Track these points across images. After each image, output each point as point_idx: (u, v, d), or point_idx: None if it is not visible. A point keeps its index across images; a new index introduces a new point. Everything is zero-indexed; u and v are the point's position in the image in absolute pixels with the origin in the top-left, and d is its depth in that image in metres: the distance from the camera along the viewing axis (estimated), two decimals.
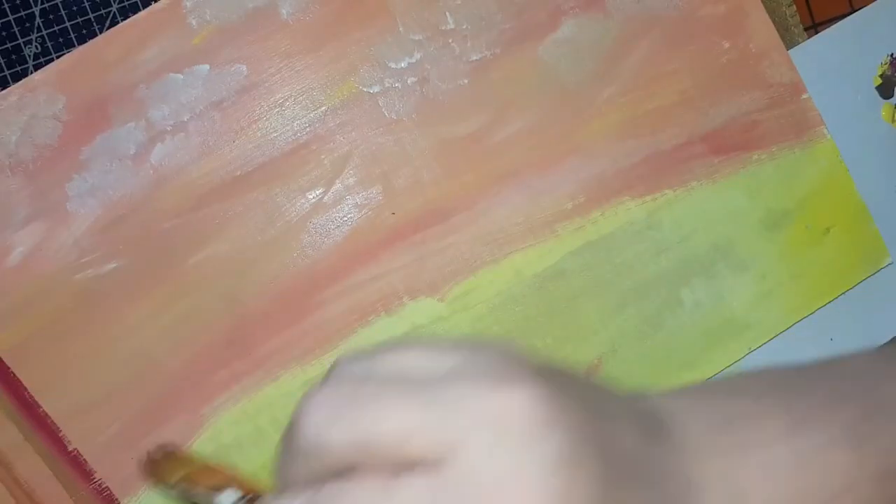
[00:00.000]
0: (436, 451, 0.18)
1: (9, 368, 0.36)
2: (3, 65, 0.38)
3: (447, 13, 0.37)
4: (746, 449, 0.22)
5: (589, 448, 0.19)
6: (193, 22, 0.36)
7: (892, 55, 0.40)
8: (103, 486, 0.36)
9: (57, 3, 0.38)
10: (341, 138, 0.37)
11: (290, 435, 0.21)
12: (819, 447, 0.24)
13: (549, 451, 0.18)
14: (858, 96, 0.40)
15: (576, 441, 0.19)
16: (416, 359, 0.20)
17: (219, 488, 0.24)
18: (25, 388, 0.36)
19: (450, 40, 0.37)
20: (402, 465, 0.18)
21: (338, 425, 0.19)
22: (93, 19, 0.39)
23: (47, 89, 0.36)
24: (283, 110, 0.37)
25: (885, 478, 0.24)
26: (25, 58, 0.39)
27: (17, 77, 0.38)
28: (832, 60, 0.40)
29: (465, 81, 0.37)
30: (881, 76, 0.40)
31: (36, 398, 0.36)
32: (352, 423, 0.19)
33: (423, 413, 0.18)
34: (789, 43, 0.39)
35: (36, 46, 0.39)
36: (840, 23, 0.40)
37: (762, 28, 0.38)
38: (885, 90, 0.40)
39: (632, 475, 0.19)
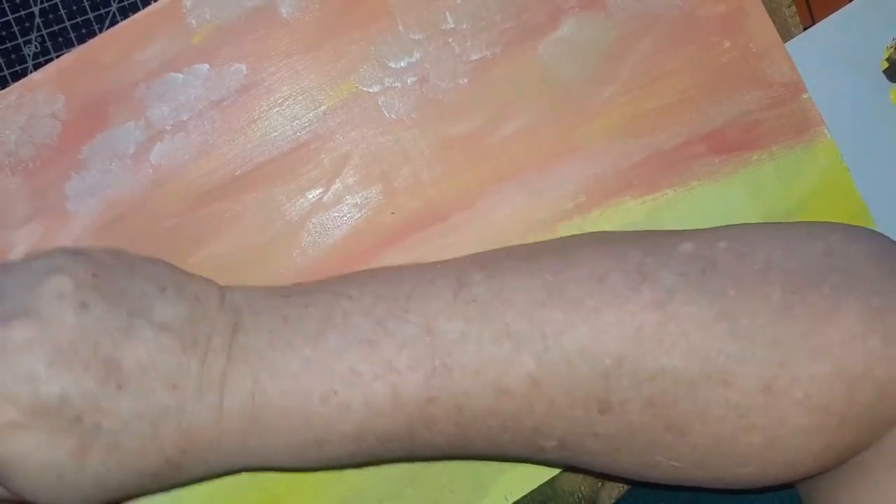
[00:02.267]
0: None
1: None
2: (3, 64, 0.38)
3: (447, 13, 0.37)
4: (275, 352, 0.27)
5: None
6: (193, 21, 0.36)
7: None
8: None
9: (56, 3, 0.38)
10: (341, 138, 0.37)
11: None
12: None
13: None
14: (864, 82, 0.40)
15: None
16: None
17: None
18: None
19: (450, 40, 0.37)
20: None
21: None
22: (92, 19, 0.39)
23: (47, 89, 0.36)
24: (283, 110, 0.37)
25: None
26: (25, 57, 0.39)
27: (17, 77, 0.38)
28: (835, 48, 0.39)
29: (465, 81, 0.37)
30: (888, 60, 0.40)
31: None
32: None
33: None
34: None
35: (35, 46, 0.39)
36: (842, 10, 0.39)
37: (762, 28, 0.38)
38: (892, 73, 0.40)
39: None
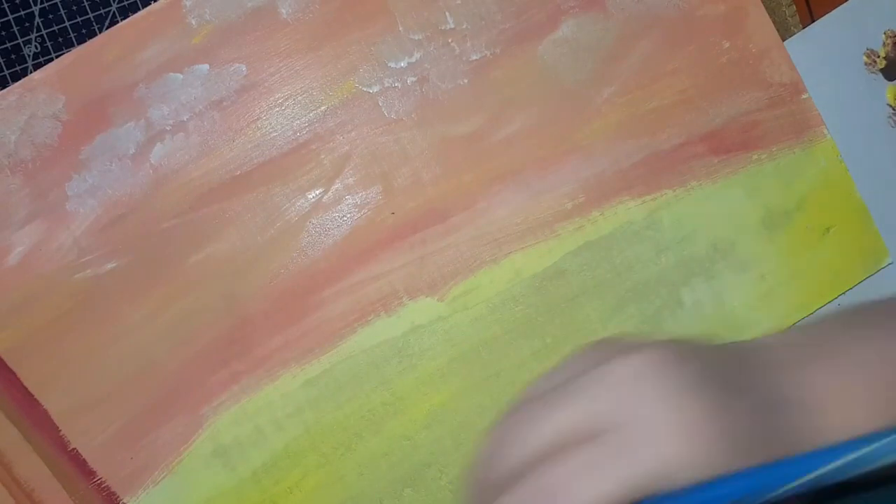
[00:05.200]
0: (594, 425, 0.22)
1: (9, 367, 0.36)
2: (3, 64, 0.38)
3: (447, 13, 0.37)
4: (817, 359, 0.25)
5: (707, 374, 0.23)
6: (193, 21, 0.36)
7: (890, 31, 0.40)
8: (103, 485, 0.36)
9: (56, 3, 0.38)
10: (341, 138, 0.37)
11: (474, 473, 0.24)
12: (881, 351, 0.26)
13: (681, 379, 0.22)
14: (862, 80, 0.40)
15: (696, 372, 0.23)
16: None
17: None
18: (25, 388, 0.36)
19: (449, 40, 0.37)
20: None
21: (510, 447, 0.23)
22: (92, 19, 0.39)
23: (47, 89, 0.36)
24: (283, 110, 0.37)
25: None
26: (25, 57, 0.39)
27: (17, 77, 0.38)
28: (834, 46, 0.39)
29: (465, 81, 0.37)
30: (885, 58, 0.40)
31: (36, 397, 0.36)
32: (522, 441, 0.23)
33: (576, 405, 0.23)
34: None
35: (35, 46, 0.39)
36: (840, 8, 0.39)
37: (762, 28, 0.38)
38: (889, 72, 0.40)
39: (736, 389, 0.23)
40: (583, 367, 0.24)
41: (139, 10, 0.37)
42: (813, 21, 0.40)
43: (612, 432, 0.22)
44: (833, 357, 0.26)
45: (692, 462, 0.22)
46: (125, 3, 0.39)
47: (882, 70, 0.40)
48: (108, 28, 0.38)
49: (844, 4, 0.40)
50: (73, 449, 0.36)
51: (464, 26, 0.37)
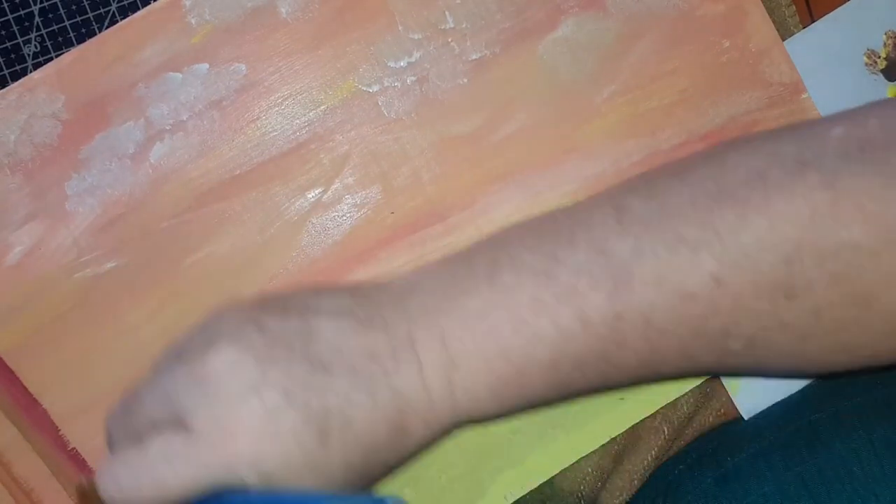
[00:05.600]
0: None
1: (8, 367, 0.36)
2: (3, 64, 0.38)
3: (447, 12, 0.37)
4: (453, 303, 0.27)
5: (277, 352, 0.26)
6: (193, 21, 0.36)
7: (891, 31, 0.40)
8: None
9: (56, 3, 0.38)
10: (340, 137, 0.37)
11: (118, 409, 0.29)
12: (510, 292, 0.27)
13: (261, 372, 0.25)
14: (862, 81, 0.40)
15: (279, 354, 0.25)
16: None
17: None
18: (24, 387, 0.36)
19: (449, 39, 0.37)
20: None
21: (135, 404, 0.28)
22: (92, 18, 0.39)
23: (46, 88, 0.36)
24: (283, 109, 0.37)
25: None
26: (25, 57, 0.39)
27: (17, 76, 0.38)
28: (834, 46, 0.39)
29: (465, 81, 0.37)
30: (885, 58, 0.40)
31: (35, 397, 0.36)
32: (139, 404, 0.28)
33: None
34: None
35: (35, 45, 0.39)
36: (840, 8, 0.39)
37: (762, 27, 0.38)
38: (889, 72, 0.40)
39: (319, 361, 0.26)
40: (195, 344, 0.27)
41: (139, 9, 0.37)
42: (813, 21, 0.40)
43: (196, 425, 0.25)
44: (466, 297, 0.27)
45: (283, 454, 0.24)
46: (125, 2, 0.39)
47: (882, 71, 0.40)
48: (107, 28, 0.38)
49: (845, 4, 0.40)
50: (73, 449, 0.36)
51: (464, 26, 0.37)
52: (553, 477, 0.37)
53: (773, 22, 0.38)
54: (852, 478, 0.30)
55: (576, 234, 0.27)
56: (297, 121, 0.37)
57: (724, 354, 0.27)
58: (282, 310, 0.27)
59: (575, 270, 0.26)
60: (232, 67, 0.37)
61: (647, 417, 0.37)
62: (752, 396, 0.37)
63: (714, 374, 0.35)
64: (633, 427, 0.37)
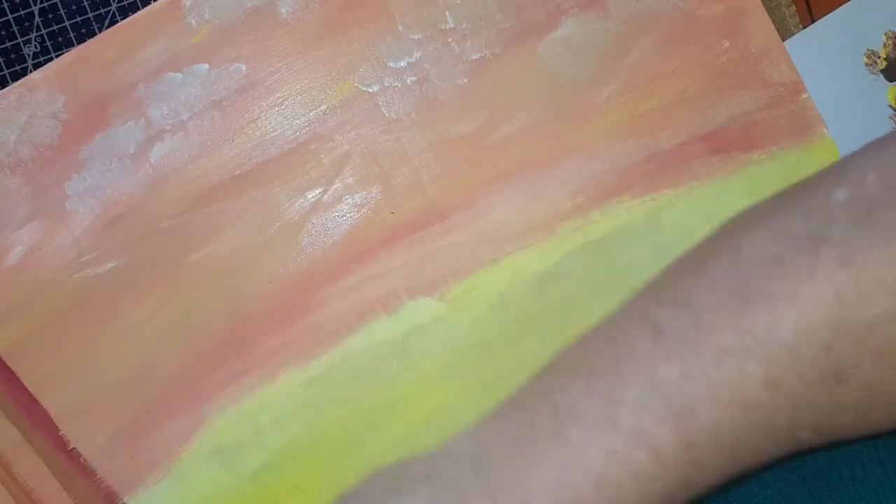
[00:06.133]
0: None
1: (8, 367, 0.36)
2: (3, 64, 0.38)
3: (447, 12, 0.37)
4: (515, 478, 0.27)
5: None
6: (192, 21, 0.36)
7: (891, 31, 0.40)
8: (103, 484, 0.36)
9: (56, 3, 0.38)
10: (340, 137, 0.37)
11: None
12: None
13: None
14: (862, 81, 0.40)
15: None
16: None
17: None
18: (25, 387, 0.36)
19: (449, 39, 0.37)
20: None
21: None
22: (92, 18, 0.39)
23: (46, 88, 0.36)
24: (283, 109, 0.37)
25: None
26: (25, 57, 0.39)
27: (17, 76, 0.38)
28: (834, 46, 0.39)
29: (465, 81, 0.37)
30: (885, 59, 0.40)
31: (35, 397, 0.36)
32: None
33: None
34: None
35: (35, 46, 0.39)
36: (840, 9, 0.39)
37: (762, 27, 0.38)
38: (889, 72, 0.40)
39: None
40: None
41: (139, 9, 0.37)
42: (813, 21, 0.40)
43: None
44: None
45: None
46: (125, 2, 0.39)
47: (882, 71, 0.40)
48: (107, 28, 0.38)
49: (845, 5, 0.40)
50: (73, 449, 0.36)
51: (464, 26, 0.37)
52: None
53: (773, 22, 0.38)
54: (855, 480, 0.30)
55: (623, 367, 0.27)
56: (297, 121, 0.37)
57: (796, 444, 0.28)
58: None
59: (635, 409, 0.27)
60: (232, 67, 0.37)
61: None
62: None
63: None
64: None
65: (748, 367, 0.26)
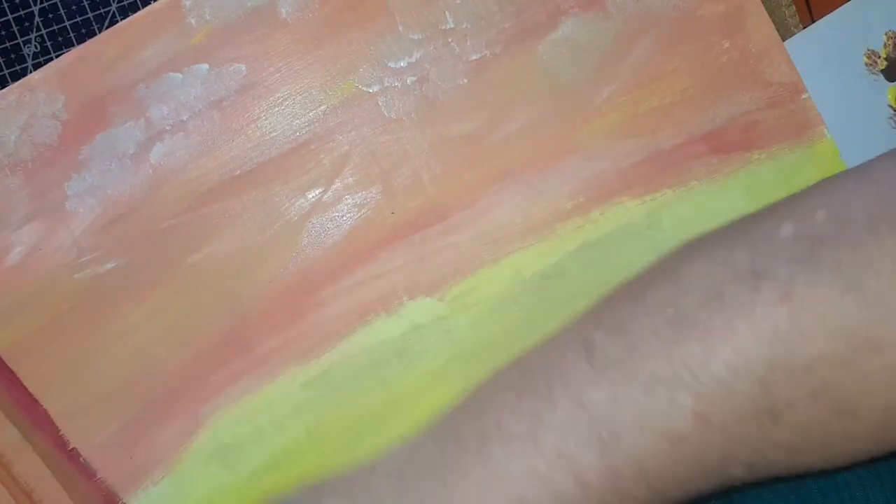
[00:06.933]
0: None
1: (8, 367, 0.36)
2: (3, 64, 0.38)
3: (447, 12, 0.37)
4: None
5: None
6: (192, 21, 0.36)
7: (891, 31, 0.40)
8: (103, 484, 0.36)
9: (56, 3, 0.38)
10: (340, 138, 0.37)
11: None
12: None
13: None
14: (862, 81, 0.40)
15: None
16: None
17: None
18: (25, 387, 0.36)
19: (449, 40, 0.37)
20: None
21: None
22: (92, 18, 0.39)
23: (46, 88, 0.36)
24: (283, 109, 0.37)
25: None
26: (24, 57, 0.39)
27: (17, 76, 0.38)
28: (834, 46, 0.39)
29: (465, 81, 0.37)
30: (886, 59, 0.40)
31: (35, 397, 0.36)
32: None
33: None
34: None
35: (35, 46, 0.39)
36: (840, 9, 0.39)
37: (762, 27, 0.38)
38: (890, 73, 0.40)
39: None
40: None
41: (139, 9, 0.37)
42: (813, 21, 0.40)
43: None
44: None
45: None
46: (125, 2, 0.39)
47: (883, 71, 0.40)
48: (107, 28, 0.38)
49: (845, 5, 0.40)
50: (73, 449, 0.36)
51: (464, 26, 0.37)
52: None
53: (773, 22, 0.38)
54: (855, 503, 0.30)
55: (553, 387, 0.27)
56: (297, 121, 0.37)
57: (726, 480, 0.27)
58: None
59: (561, 431, 0.26)
60: (232, 67, 0.37)
61: None
62: None
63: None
64: None
65: (678, 398, 0.25)
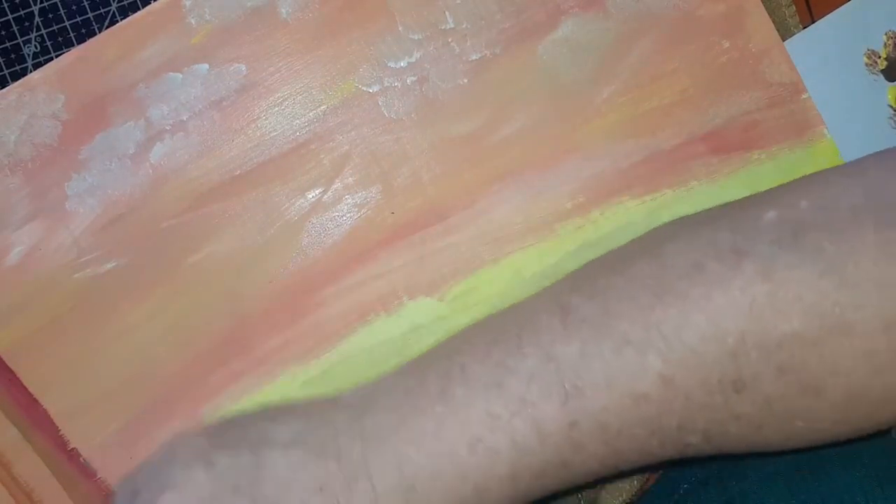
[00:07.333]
0: None
1: (8, 367, 0.36)
2: (3, 64, 0.38)
3: (447, 12, 0.37)
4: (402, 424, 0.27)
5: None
6: (192, 21, 0.36)
7: (891, 31, 0.40)
8: (103, 484, 0.36)
9: (56, 3, 0.38)
10: (340, 137, 0.37)
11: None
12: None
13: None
14: (862, 81, 0.40)
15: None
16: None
17: None
18: (25, 387, 0.36)
19: (449, 39, 0.37)
20: None
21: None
22: (92, 18, 0.39)
23: (46, 88, 0.36)
24: (283, 109, 0.37)
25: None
26: (25, 57, 0.39)
27: (17, 76, 0.38)
28: (834, 46, 0.39)
29: (465, 81, 0.37)
30: (886, 59, 0.40)
31: (35, 397, 0.36)
32: None
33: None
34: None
35: (35, 46, 0.39)
36: (840, 9, 0.39)
37: (762, 27, 0.38)
38: (890, 73, 0.40)
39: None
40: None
41: (139, 9, 0.37)
42: (813, 21, 0.40)
43: None
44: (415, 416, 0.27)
45: None
46: (125, 2, 0.39)
47: (883, 71, 0.40)
48: (107, 27, 0.38)
49: (845, 5, 0.40)
50: (73, 449, 0.36)
51: (464, 26, 0.37)
52: None
53: (773, 22, 0.38)
54: None
55: (523, 339, 0.27)
56: (297, 121, 0.37)
57: (682, 447, 0.28)
58: (235, 442, 0.27)
59: (526, 379, 0.26)
60: (232, 67, 0.37)
61: None
62: None
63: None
64: None
65: (648, 360, 0.26)
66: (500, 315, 0.30)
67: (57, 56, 0.38)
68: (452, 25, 0.37)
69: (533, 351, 0.27)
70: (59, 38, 0.38)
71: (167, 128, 0.36)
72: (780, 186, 0.30)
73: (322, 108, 0.37)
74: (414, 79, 0.37)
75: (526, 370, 0.26)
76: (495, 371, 0.27)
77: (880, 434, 0.29)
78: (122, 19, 0.36)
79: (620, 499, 0.38)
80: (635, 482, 0.38)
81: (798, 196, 0.28)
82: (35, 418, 0.36)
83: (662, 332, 0.26)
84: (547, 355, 0.26)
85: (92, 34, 0.38)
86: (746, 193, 0.38)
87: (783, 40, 0.39)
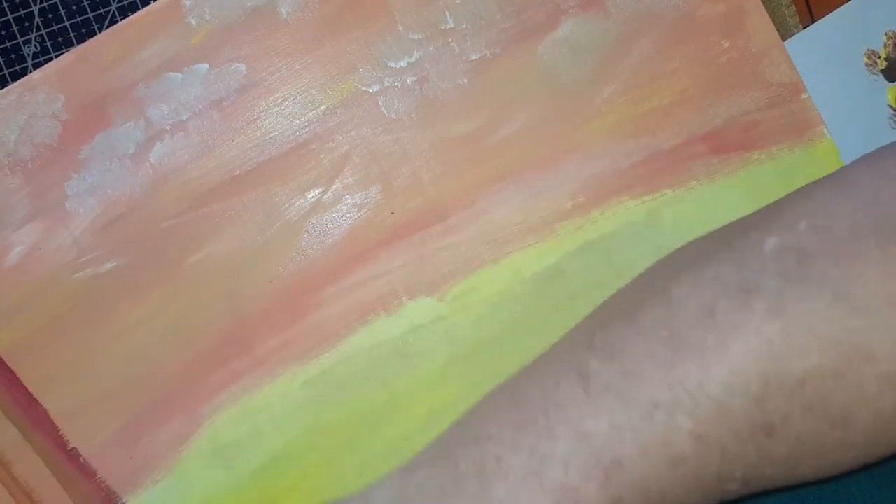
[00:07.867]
0: None
1: (8, 367, 0.36)
2: (2, 64, 0.38)
3: (447, 12, 0.37)
4: None
5: None
6: (192, 21, 0.36)
7: (891, 31, 0.40)
8: (103, 484, 0.36)
9: (56, 3, 0.38)
10: (340, 137, 0.37)
11: None
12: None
13: None
14: (862, 81, 0.40)
15: None
16: None
17: None
18: (25, 387, 0.36)
19: (449, 39, 0.37)
20: None
21: None
22: (92, 18, 0.39)
23: (46, 88, 0.36)
24: (283, 109, 0.37)
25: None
26: (24, 57, 0.39)
27: (17, 76, 0.38)
28: (834, 47, 0.39)
29: (465, 81, 0.37)
30: (886, 59, 0.40)
31: (35, 397, 0.36)
32: None
33: None
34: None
35: (35, 46, 0.39)
36: (840, 9, 0.39)
37: (762, 27, 0.38)
38: (890, 73, 0.40)
39: None
40: None
41: (139, 9, 0.37)
42: (813, 21, 0.40)
43: None
44: None
45: None
46: (125, 2, 0.39)
47: (883, 71, 0.40)
48: (107, 27, 0.38)
49: (845, 5, 0.40)
50: (73, 449, 0.36)
51: (464, 26, 0.37)
52: None
53: (773, 22, 0.38)
54: None
55: (551, 419, 0.27)
56: (297, 121, 0.37)
57: (723, 495, 0.28)
58: None
59: (563, 465, 0.26)
60: (232, 67, 0.37)
61: None
62: None
63: None
64: None
65: (678, 421, 0.25)
66: (520, 382, 0.29)
67: (57, 56, 0.38)
68: (452, 25, 0.37)
69: (563, 432, 0.26)
70: (59, 38, 0.38)
71: (167, 128, 0.36)
72: (776, 203, 0.29)
73: (322, 108, 0.37)
74: (414, 79, 0.37)
75: (561, 454, 0.26)
76: (531, 460, 0.26)
77: None
78: (122, 19, 0.36)
79: None
80: None
81: (796, 217, 0.28)
82: (35, 418, 0.36)
83: (687, 389, 0.26)
84: (578, 434, 0.26)
85: (92, 34, 0.38)
86: (746, 193, 0.38)
87: (783, 40, 0.39)
